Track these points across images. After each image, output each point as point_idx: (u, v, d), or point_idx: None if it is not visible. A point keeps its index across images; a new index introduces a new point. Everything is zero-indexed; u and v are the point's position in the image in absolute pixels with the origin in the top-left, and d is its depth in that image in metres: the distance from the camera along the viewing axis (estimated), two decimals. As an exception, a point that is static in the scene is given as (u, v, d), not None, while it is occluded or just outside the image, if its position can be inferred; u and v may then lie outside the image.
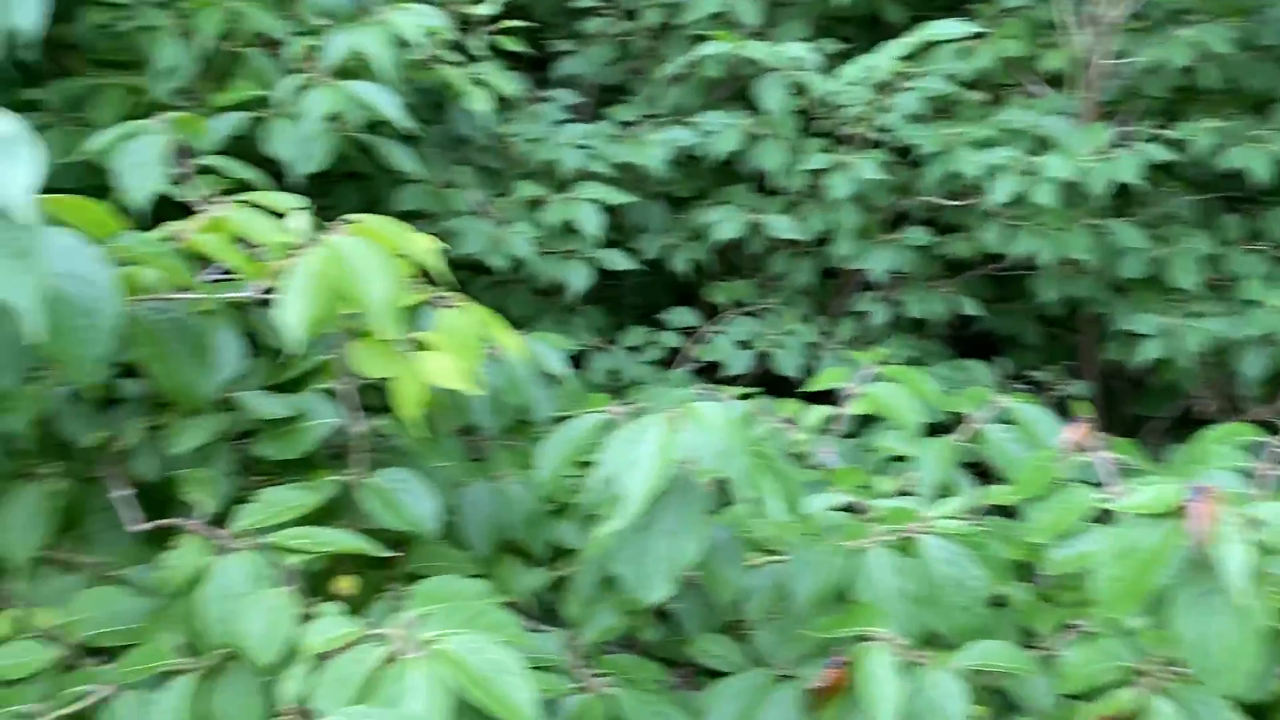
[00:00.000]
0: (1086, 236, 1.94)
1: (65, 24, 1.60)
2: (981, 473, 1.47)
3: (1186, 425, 2.30)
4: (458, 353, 1.18)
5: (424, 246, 1.15)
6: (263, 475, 1.22)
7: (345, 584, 1.15)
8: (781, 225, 1.99)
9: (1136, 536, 0.92)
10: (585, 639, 1.24)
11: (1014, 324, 2.34)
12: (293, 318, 1.04)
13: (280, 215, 1.22)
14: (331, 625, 0.98)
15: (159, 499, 1.20)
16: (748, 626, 1.27)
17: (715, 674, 1.23)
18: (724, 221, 2.00)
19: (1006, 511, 1.33)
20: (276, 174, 1.56)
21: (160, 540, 1.18)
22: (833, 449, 1.55)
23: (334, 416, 1.18)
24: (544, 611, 1.35)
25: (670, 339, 2.10)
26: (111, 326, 0.96)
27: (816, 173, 1.99)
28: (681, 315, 2.12)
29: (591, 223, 1.89)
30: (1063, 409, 1.81)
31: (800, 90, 1.95)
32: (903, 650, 0.98)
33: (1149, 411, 2.32)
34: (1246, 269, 1.98)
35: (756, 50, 1.89)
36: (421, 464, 1.21)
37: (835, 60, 2.06)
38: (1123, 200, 2.06)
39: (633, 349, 2.07)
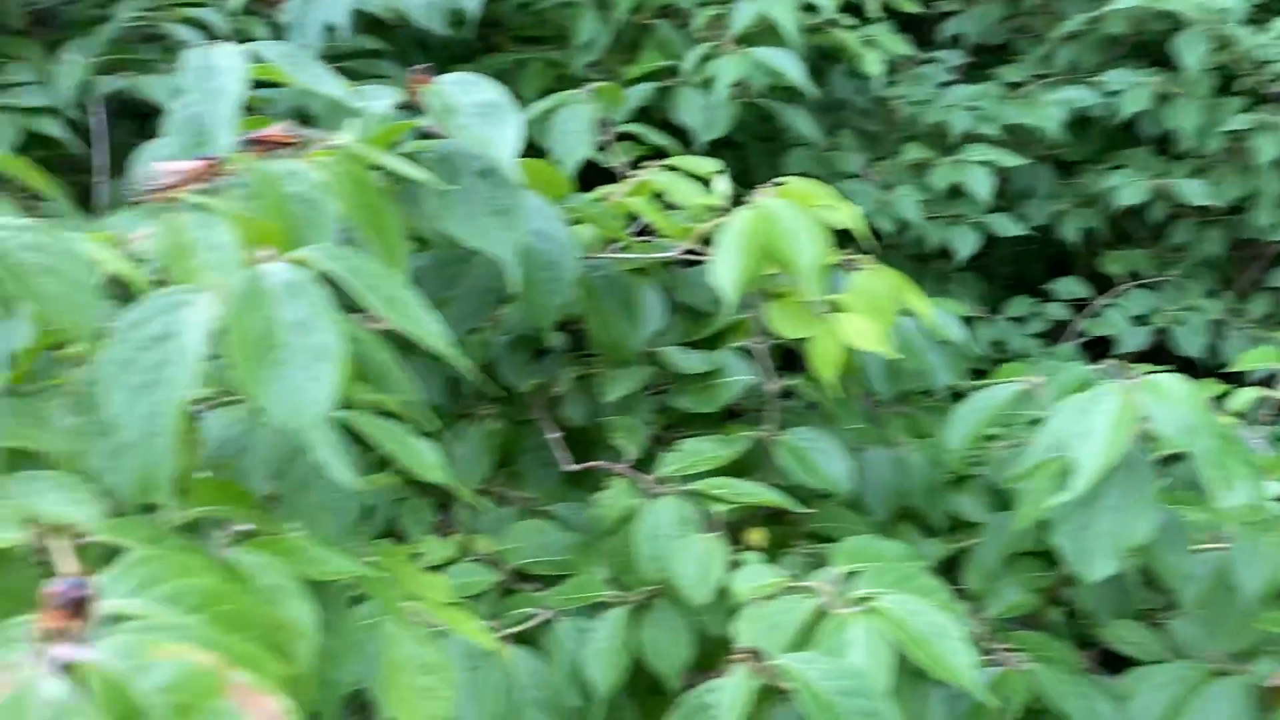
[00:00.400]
0: None
1: (492, 3, 1.73)
2: None
3: None
4: (871, 315, 1.18)
5: (848, 210, 1.16)
6: (676, 426, 1.28)
7: (756, 535, 1.18)
8: (1193, 190, 1.84)
9: None
10: (990, 613, 1.21)
11: None
12: (725, 277, 1.07)
13: (699, 179, 1.27)
14: (758, 573, 1.02)
15: (581, 443, 1.29)
16: (1160, 614, 1.20)
17: (1122, 661, 1.18)
18: (1126, 186, 1.88)
19: None
20: (680, 141, 1.62)
21: (583, 481, 1.27)
22: (1261, 435, 1.42)
23: (748, 374, 1.22)
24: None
25: (1055, 311, 2.00)
26: (570, 280, 1.03)
27: (1236, 135, 1.82)
28: (1069, 286, 2.01)
29: (982, 186, 1.83)
30: None
31: (1223, 45, 1.79)
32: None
33: None
34: None
35: (1175, 2, 1.75)
36: (831, 425, 1.22)
37: (1262, 12, 1.87)
38: None
39: (1016, 319, 1.99)
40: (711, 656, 1.12)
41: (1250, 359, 1.43)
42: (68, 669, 0.43)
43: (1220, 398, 1.46)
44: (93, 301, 0.65)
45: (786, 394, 1.24)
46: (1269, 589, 1.01)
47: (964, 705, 1.01)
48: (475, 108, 0.93)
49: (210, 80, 0.88)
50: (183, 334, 0.60)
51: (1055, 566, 1.24)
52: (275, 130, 0.80)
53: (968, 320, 2.00)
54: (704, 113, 1.60)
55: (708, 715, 0.83)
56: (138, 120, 1.46)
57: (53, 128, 1.42)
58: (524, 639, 1.11)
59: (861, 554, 1.01)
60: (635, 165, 1.33)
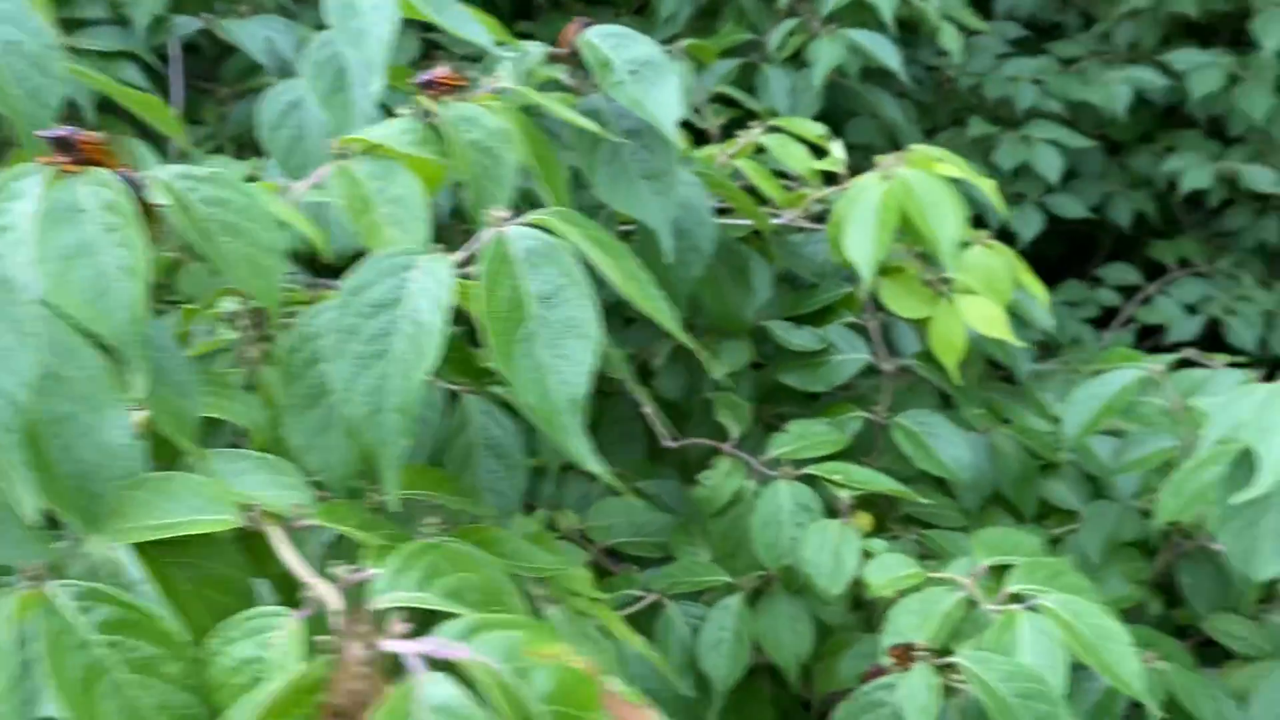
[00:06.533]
0: None
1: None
2: None
3: None
4: (989, 295, 1.14)
5: (985, 183, 1.11)
6: (779, 405, 1.23)
7: (865, 520, 1.14)
8: (1260, 177, 1.82)
9: None
10: (1094, 605, 1.18)
11: None
12: (861, 252, 1.02)
13: (808, 144, 1.21)
14: (893, 564, 0.97)
15: (674, 419, 1.23)
16: (1263, 608, 1.18)
17: (1214, 654, 1.16)
18: (1190, 170, 1.85)
19: None
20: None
21: (669, 458, 1.22)
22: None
23: (861, 352, 1.17)
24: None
25: (1106, 296, 1.98)
26: (708, 251, 0.97)
27: (1306, 121, 1.80)
28: (1120, 271, 1.98)
29: (1051, 166, 1.79)
30: None
31: (1300, 27, 1.76)
32: None
33: None
34: None
35: (1253, -17, 1.72)
36: (947, 409, 1.18)
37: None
38: None
39: (1070, 304, 1.96)
40: (824, 647, 1.08)
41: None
42: (447, 668, 0.37)
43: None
44: (280, 264, 0.59)
45: (902, 373, 1.19)
46: None
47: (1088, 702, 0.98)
48: (631, 64, 0.87)
49: (353, 19, 0.80)
50: (409, 300, 0.54)
51: (1154, 556, 1.21)
52: (445, 71, 0.73)
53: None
54: (791, 95, 1.54)
55: (881, 713, 0.79)
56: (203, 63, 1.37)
57: (131, 74, 1.32)
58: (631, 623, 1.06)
59: (1001, 546, 0.97)
60: (728, 131, 1.27)
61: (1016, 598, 0.89)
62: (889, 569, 0.96)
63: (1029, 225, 1.85)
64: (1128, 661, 0.83)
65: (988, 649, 0.84)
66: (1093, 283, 1.99)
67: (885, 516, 1.21)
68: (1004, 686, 0.78)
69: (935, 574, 0.95)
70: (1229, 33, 1.91)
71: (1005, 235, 1.92)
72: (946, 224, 1.01)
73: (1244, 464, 0.87)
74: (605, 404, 1.26)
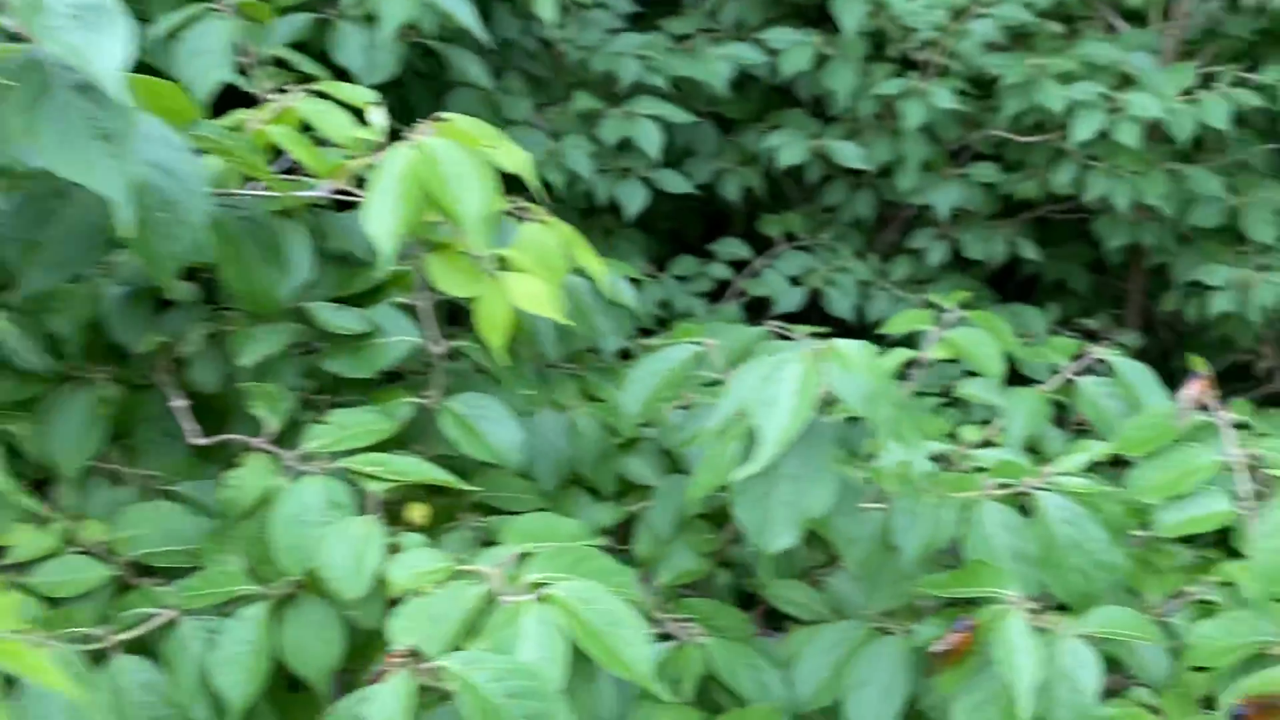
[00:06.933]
0: (1163, 182, 1.86)
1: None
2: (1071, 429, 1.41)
3: (1235, 380, 2.25)
4: (542, 273, 1.10)
5: (518, 155, 1.06)
6: (327, 393, 1.14)
7: (419, 512, 1.07)
8: (849, 153, 1.90)
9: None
10: (661, 580, 1.18)
11: (1062, 270, 2.26)
12: (380, 225, 0.95)
13: (353, 110, 1.13)
14: (419, 559, 0.91)
15: (216, 411, 1.12)
16: (821, 573, 1.21)
17: (786, 620, 1.18)
18: (786, 146, 1.91)
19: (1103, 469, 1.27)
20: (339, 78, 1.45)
21: (215, 455, 1.11)
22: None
23: (410, 333, 1.10)
24: (610, 549, 1.29)
25: (718, 270, 2.01)
26: (197, 223, 0.87)
27: (886, 99, 1.89)
28: (731, 246, 2.03)
29: (652, 141, 1.79)
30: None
31: (878, 9, 1.84)
32: (1032, 615, 0.92)
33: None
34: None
35: (836, -36, 1.78)
36: (500, 390, 1.13)
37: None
38: (1195, 146, 1.97)
39: (681, 279, 1.98)
40: (365, 651, 1.01)
41: (904, 322, 1.48)
42: None
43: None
44: None
45: (453, 356, 1.13)
46: (926, 550, 1.03)
47: (636, 689, 0.97)
48: (70, 7, 0.75)
49: None
50: None
51: (724, 528, 1.22)
52: None
53: (635, 280, 1.98)
54: (366, 53, 1.44)
55: (361, 730, 0.72)
56: None
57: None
58: (141, 645, 0.94)
59: (535, 532, 0.94)
60: (283, 94, 1.17)
61: (537, 586, 0.85)
62: (412, 564, 0.90)
63: (634, 200, 1.84)
64: (635, 647, 0.81)
65: (494, 644, 0.79)
66: (706, 258, 2.02)
67: (456, 506, 1.16)
68: (494, 686, 0.74)
69: (465, 566, 0.90)
70: (816, 11, 1.98)
71: (615, 210, 1.92)
72: (470, 196, 0.95)
73: (755, 438, 0.87)
74: (139, 399, 1.13)
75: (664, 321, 1.96)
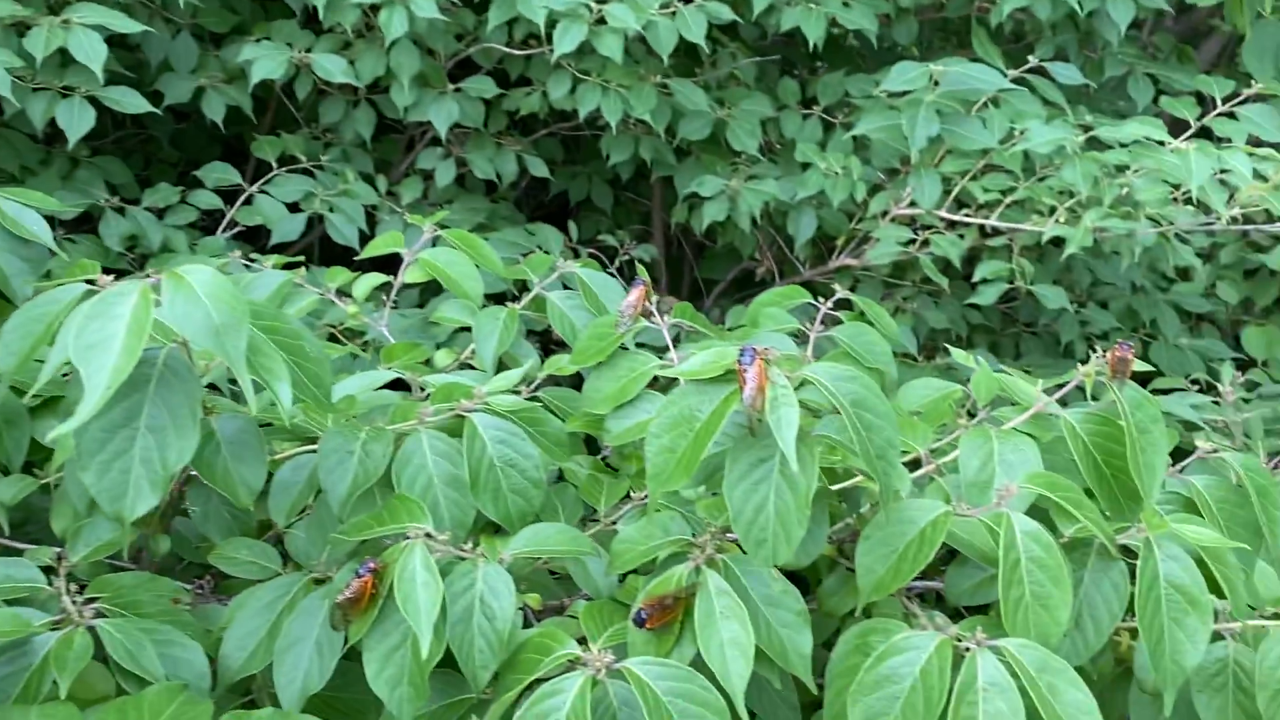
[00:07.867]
0: (652, 96, 1.89)
1: None
2: (557, 343, 1.39)
3: (746, 288, 2.37)
4: None
5: None
6: None
7: None
8: (332, 66, 1.76)
9: (689, 403, 0.85)
10: (77, 558, 1.02)
11: (586, 187, 2.27)
12: None
13: None
14: None
15: None
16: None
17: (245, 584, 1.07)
18: (263, 59, 1.74)
19: (571, 382, 1.26)
20: None
21: None
22: (385, 322, 1.40)
23: None
24: (20, 527, 1.12)
25: (208, 199, 1.83)
26: None
27: (369, 9, 1.77)
28: (220, 171, 1.84)
29: (95, 55, 1.56)
30: (630, 274, 1.78)
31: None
32: (444, 545, 0.87)
33: (714, 275, 2.36)
34: (802, 133, 2.02)
35: None
36: None
37: None
38: (688, 60, 2.02)
39: (155, 210, 1.77)
40: None
41: (379, 245, 1.39)
42: None
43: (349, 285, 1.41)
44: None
45: None
46: (357, 488, 0.95)
47: None
48: None
49: None
50: None
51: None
52: None
53: (96, 213, 1.75)
54: None
55: None
56: None
57: None
58: None
59: None
60: None
61: None
62: None
63: (79, 123, 1.61)
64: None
65: None
66: (190, 185, 1.83)
67: None
68: None
69: None
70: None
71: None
72: None
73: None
74: None
75: (142, 261, 1.76)
